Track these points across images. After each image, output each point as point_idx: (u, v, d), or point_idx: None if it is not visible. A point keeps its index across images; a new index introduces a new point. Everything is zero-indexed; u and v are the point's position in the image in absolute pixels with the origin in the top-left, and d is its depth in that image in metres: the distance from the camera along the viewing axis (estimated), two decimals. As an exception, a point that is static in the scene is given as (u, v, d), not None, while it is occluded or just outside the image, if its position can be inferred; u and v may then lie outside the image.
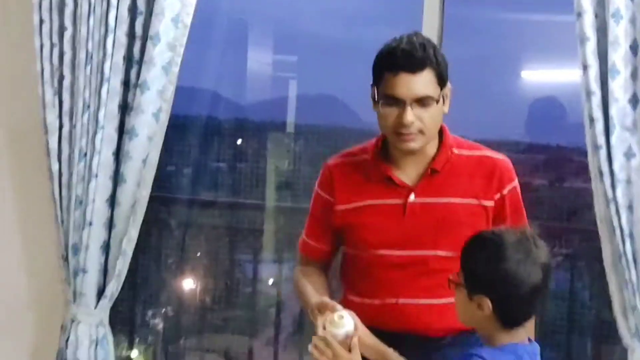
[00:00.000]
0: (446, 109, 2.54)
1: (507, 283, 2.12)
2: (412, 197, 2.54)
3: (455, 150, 2.58)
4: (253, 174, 4.42)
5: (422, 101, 2.45)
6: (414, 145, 2.50)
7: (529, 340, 2.25)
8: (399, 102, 2.45)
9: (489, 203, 2.55)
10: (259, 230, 4.35)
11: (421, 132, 2.48)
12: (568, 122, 4.11)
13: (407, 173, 2.57)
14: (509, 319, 2.17)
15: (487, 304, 2.15)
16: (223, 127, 4.57)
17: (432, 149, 2.56)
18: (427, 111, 2.45)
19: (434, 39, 3.46)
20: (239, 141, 4.61)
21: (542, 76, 4.34)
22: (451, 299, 2.45)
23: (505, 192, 2.57)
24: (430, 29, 3.48)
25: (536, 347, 2.25)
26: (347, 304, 2.57)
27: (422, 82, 2.44)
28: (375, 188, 2.58)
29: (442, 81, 2.48)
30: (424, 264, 2.53)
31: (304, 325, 3.76)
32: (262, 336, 4.27)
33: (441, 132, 2.59)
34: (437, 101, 2.47)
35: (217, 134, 4.55)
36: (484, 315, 2.17)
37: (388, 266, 2.55)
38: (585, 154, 3.06)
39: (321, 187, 2.70)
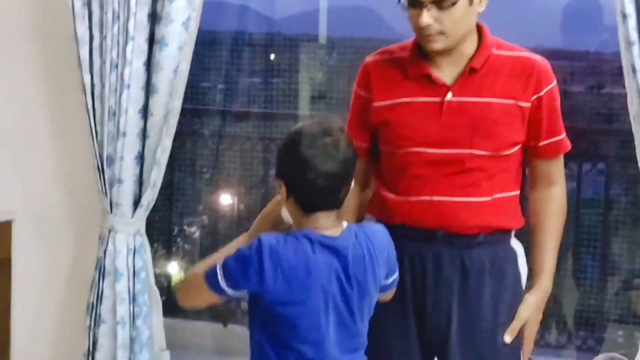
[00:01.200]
0: (481, 7, 2.56)
1: (295, 167, 2.30)
2: (449, 95, 2.58)
3: (495, 51, 2.61)
4: (286, 87, 4.49)
5: (439, 3, 2.48)
6: (437, 46, 2.54)
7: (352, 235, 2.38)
8: (418, 4, 2.50)
9: (526, 104, 2.59)
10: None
11: (442, 33, 2.52)
12: (606, 26, 4.11)
13: (445, 72, 2.61)
14: (304, 204, 2.34)
15: (283, 188, 2.34)
16: (255, 41, 4.62)
17: (470, 48, 2.60)
18: (446, 13, 2.49)
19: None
20: (272, 56, 4.66)
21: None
22: (486, 198, 2.59)
23: (542, 93, 2.60)
24: None
25: (347, 240, 2.34)
26: (380, 201, 2.70)
27: None
28: (413, 85, 2.63)
29: None
30: (460, 162, 2.59)
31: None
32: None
33: (481, 32, 2.63)
34: (454, 3, 2.48)
35: (249, 49, 4.60)
36: (285, 200, 2.36)
37: (424, 164, 2.61)
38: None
39: (359, 85, 2.76)
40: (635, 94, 3.05)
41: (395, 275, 2.49)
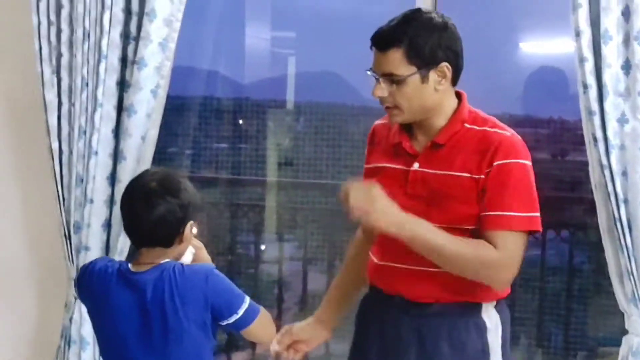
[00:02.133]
0: (441, 86, 2.57)
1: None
2: (415, 165, 2.63)
3: (467, 125, 2.63)
4: (254, 153, 4.53)
5: (389, 78, 2.55)
6: (395, 119, 2.62)
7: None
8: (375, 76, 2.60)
9: (480, 177, 2.58)
10: (260, 206, 4.47)
11: (397, 107, 2.58)
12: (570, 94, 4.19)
13: (420, 142, 2.67)
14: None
15: None
16: (223, 106, 4.67)
17: (440, 121, 2.63)
18: (397, 89, 2.55)
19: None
20: (240, 121, 4.71)
21: (541, 47, 4.43)
22: (440, 269, 2.57)
23: (494, 164, 2.56)
24: (424, 2, 3.60)
25: (148, 277, 2.57)
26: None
27: (387, 60, 2.54)
28: (391, 151, 2.71)
29: (418, 60, 2.53)
30: None
31: (306, 303, 3.86)
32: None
33: (460, 105, 2.65)
34: (402, 81, 2.53)
35: (217, 114, 4.65)
36: None
37: None
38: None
39: (367, 145, 2.86)
40: (596, 163, 3.12)
41: (238, 316, 2.60)
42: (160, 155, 4.09)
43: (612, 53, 3.05)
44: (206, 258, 2.78)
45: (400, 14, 2.60)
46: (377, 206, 2.50)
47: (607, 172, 3.08)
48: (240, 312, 2.59)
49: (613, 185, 3.07)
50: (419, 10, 2.64)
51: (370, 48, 2.59)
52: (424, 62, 2.54)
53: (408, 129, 2.68)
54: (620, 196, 3.07)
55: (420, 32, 2.54)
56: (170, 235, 2.60)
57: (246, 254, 4.55)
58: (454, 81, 2.62)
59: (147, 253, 2.62)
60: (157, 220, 2.56)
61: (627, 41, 3.05)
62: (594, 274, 4.11)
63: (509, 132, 2.63)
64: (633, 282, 3.09)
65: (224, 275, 2.65)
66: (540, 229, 2.62)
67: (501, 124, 2.65)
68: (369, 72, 2.61)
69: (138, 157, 3.45)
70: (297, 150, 4.66)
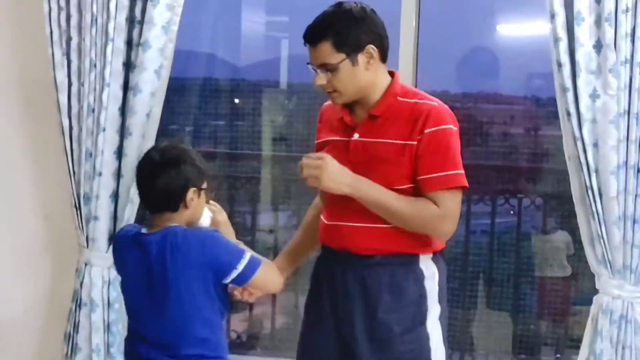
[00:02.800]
0: (371, 67, 2.72)
1: None
2: (355, 136, 2.78)
3: (400, 98, 2.79)
4: (250, 130, 4.55)
5: (324, 67, 2.71)
6: (336, 101, 2.80)
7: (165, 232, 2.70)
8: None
9: (412, 142, 2.72)
10: (256, 178, 4.49)
11: (336, 91, 2.74)
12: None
13: (359, 115, 2.82)
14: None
15: None
16: (221, 86, 4.69)
17: (376, 96, 2.79)
18: (333, 75, 2.71)
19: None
20: (237, 100, 4.74)
21: (517, 29, 4.45)
22: (380, 225, 2.74)
23: (425, 132, 2.71)
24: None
25: (153, 238, 2.68)
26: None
27: (319, 53, 2.72)
28: (335, 126, 2.87)
29: (346, 48, 2.69)
30: None
31: (299, 269, 3.91)
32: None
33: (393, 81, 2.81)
34: (335, 68, 2.68)
35: (215, 94, 4.67)
36: None
37: (335, 193, 2.80)
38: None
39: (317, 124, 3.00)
40: (569, 137, 3.16)
41: (239, 271, 2.66)
42: (164, 131, 4.11)
43: (584, 33, 3.09)
44: (224, 221, 2.85)
45: (323, 11, 2.75)
46: (327, 172, 2.67)
47: (579, 144, 3.13)
48: (240, 267, 2.66)
49: (585, 157, 3.12)
50: (339, 4, 2.78)
51: (304, 45, 2.75)
52: (350, 48, 2.71)
53: (349, 105, 2.82)
54: (592, 166, 3.12)
55: (342, 23, 2.70)
56: (174, 202, 2.70)
57: (243, 223, 4.59)
58: (383, 59, 2.78)
59: (158, 218, 2.74)
60: (159, 189, 2.68)
61: (598, 22, 3.09)
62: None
63: (436, 102, 2.80)
64: (603, 245, 3.14)
65: (224, 237, 2.72)
66: (467, 185, 2.76)
67: (429, 96, 2.82)
68: (308, 65, 2.76)
69: (143, 133, 3.48)
70: (290, 126, 4.69)
